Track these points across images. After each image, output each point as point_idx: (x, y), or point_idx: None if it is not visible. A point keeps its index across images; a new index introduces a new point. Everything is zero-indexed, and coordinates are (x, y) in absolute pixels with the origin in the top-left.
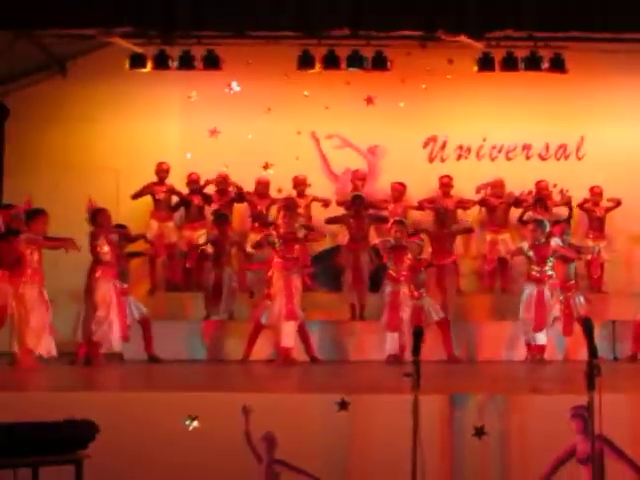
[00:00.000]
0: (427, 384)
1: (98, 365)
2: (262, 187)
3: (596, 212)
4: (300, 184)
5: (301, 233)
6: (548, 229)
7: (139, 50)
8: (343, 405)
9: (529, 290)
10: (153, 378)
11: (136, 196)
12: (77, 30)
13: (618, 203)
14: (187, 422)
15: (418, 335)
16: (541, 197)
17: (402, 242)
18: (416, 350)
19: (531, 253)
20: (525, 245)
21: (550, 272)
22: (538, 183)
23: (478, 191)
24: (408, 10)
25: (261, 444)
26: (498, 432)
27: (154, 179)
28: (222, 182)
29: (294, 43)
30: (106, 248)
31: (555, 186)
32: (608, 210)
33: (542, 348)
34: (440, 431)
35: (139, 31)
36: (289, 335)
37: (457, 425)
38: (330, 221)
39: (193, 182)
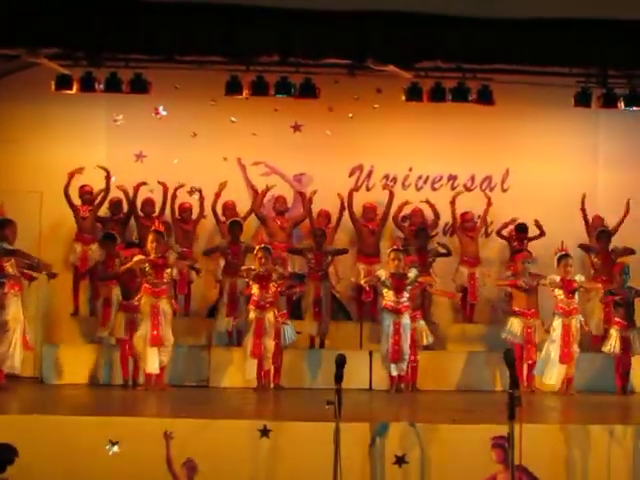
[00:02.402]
0: (349, 412)
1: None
2: (185, 213)
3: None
4: (230, 209)
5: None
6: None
7: (65, 71)
8: (265, 432)
9: (388, 321)
10: (74, 402)
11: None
12: (2, 50)
13: (541, 233)
14: (108, 447)
15: (340, 363)
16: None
17: (267, 269)
18: (338, 378)
19: (389, 282)
20: (382, 273)
21: (407, 302)
22: (463, 215)
23: (404, 220)
24: (337, 38)
25: (182, 470)
26: (419, 461)
27: (78, 202)
28: (148, 206)
29: (222, 69)
30: (12, 261)
31: (479, 218)
32: (532, 239)
33: (395, 379)
34: (361, 459)
35: (65, 52)
36: (153, 361)
37: (378, 453)
38: (292, 251)
39: (113, 205)
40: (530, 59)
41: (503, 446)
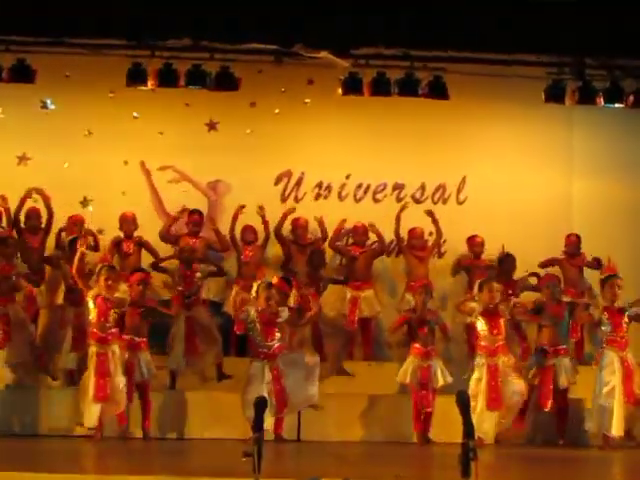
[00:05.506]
0: (270, 466)
1: None
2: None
3: (479, 265)
4: (128, 222)
5: None
6: None
7: None
8: None
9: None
10: None
11: None
12: None
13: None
14: None
15: (260, 407)
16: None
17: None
18: (258, 425)
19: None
20: (251, 310)
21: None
22: (411, 231)
23: (338, 237)
24: (261, 20)
25: None
26: None
27: None
28: (34, 217)
29: (123, 54)
30: None
31: (431, 234)
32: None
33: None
34: None
35: None
36: None
37: None
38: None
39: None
40: (491, 45)
41: None
